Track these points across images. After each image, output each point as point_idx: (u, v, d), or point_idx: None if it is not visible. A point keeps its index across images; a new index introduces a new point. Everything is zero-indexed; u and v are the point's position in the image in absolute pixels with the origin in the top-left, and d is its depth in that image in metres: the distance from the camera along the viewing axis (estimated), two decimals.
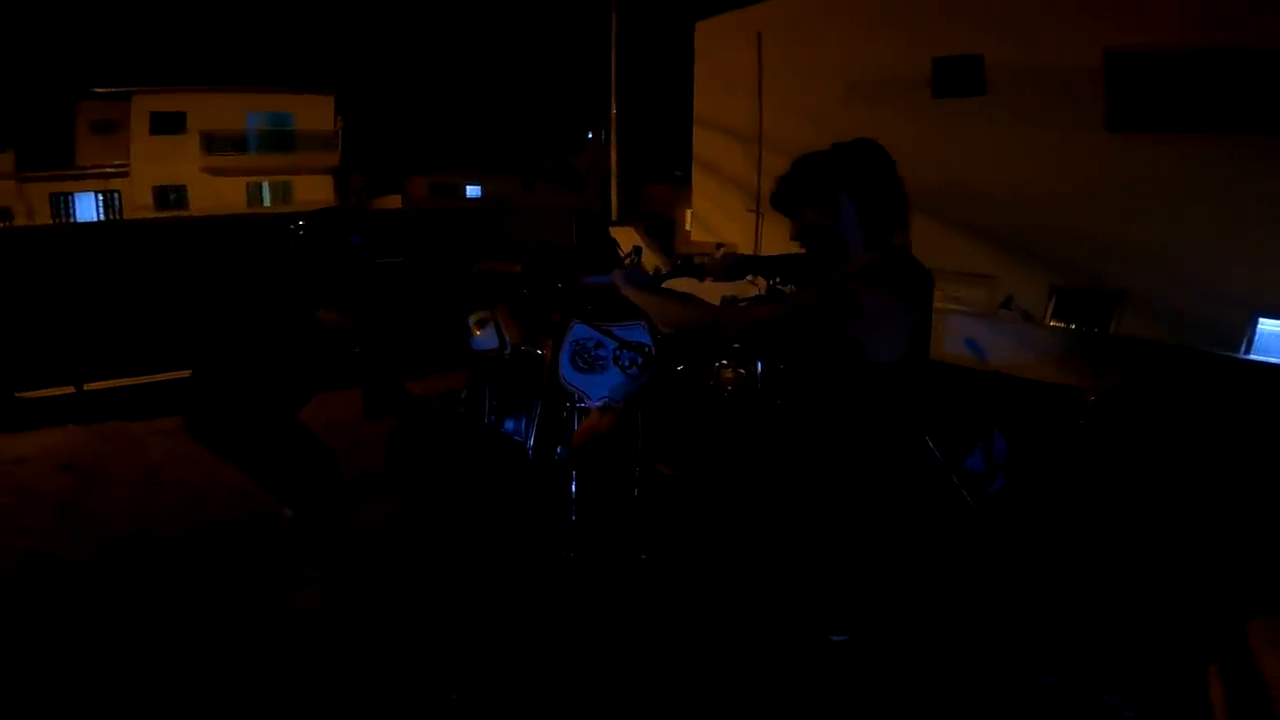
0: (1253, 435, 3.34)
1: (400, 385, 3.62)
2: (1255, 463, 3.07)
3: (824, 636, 1.96)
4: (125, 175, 22.13)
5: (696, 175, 11.45)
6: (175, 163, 22.06)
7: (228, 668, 2.16)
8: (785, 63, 10.03)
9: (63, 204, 21.86)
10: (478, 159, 25.32)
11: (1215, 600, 2.27)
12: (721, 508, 2.51)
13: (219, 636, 2.30)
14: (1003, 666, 2.04)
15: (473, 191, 24.29)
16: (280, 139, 23.37)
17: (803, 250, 2.26)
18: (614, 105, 9.30)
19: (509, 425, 2.22)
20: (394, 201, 23.11)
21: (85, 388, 4.41)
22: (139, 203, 21.82)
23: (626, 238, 6.84)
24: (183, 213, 20.12)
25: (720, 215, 10.98)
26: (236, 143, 22.94)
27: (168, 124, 22.22)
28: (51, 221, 20.02)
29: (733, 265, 2.29)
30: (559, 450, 2.18)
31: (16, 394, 4.28)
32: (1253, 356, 6.29)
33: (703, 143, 11.37)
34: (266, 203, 22.74)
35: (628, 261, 2.01)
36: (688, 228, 13.14)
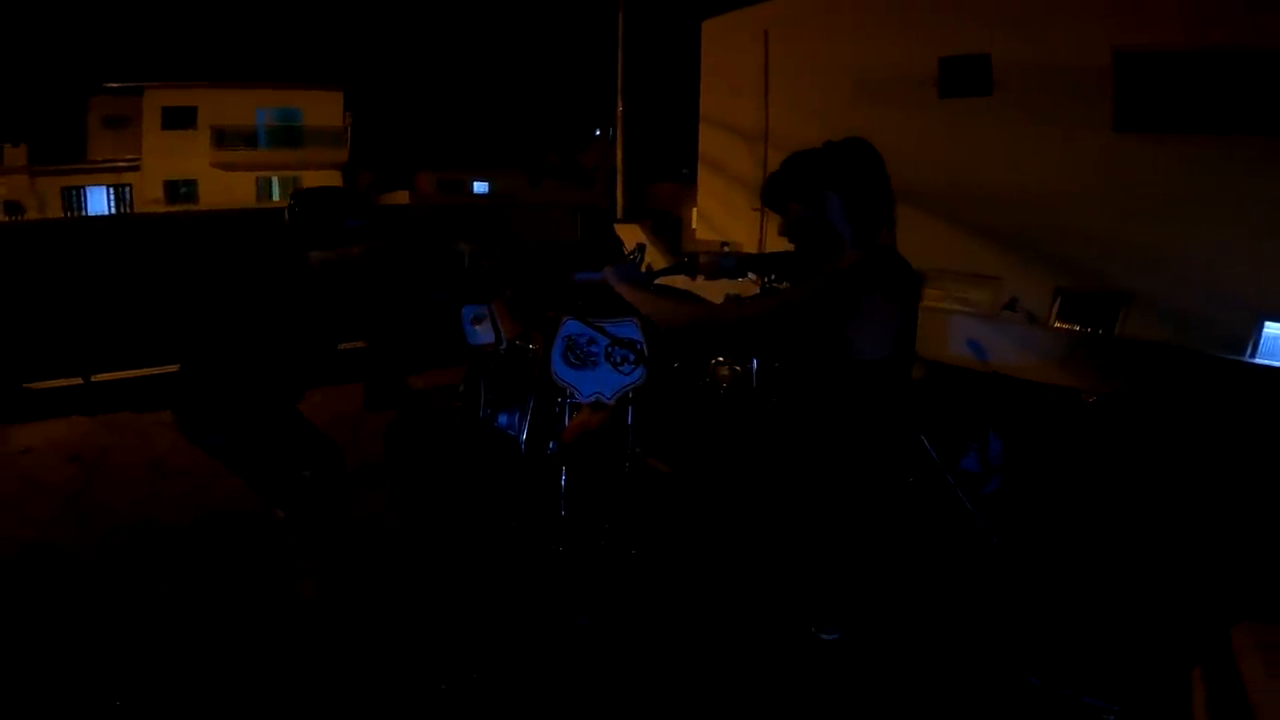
0: (1255, 439, 3.32)
1: (402, 379, 3.65)
2: (1255, 466, 3.06)
3: (814, 634, 1.97)
4: (137, 169, 22.25)
5: (702, 173, 11.43)
6: (186, 157, 22.20)
7: (225, 657, 2.20)
8: (791, 61, 9.98)
9: (75, 198, 22.00)
10: (485, 155, 25.37)
11: (1200, 603, 2.27)
12: (715, 504, 2.53)
13: (218, 626, 2.34)
14: (988, 667, 2.05)
15: (480, 188, 24.35)
16: (289, 134, 23.49)
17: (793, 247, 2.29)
18: (620, 103, 9.30)
19: (502, 420, 2.24)
20: (402, 197, 23.21)
21: (92, 379, 4.46)
22: (150, 197, 21.95)
23: (631, 235, 6.85)
24: (193, 207, 20.25)
25: (725, 213, 10.95)
26: (246, 138, 23.06)
27: (179, 119, 22.38)
28: (63, 215, 20.14)
29: (727, 264, 2.31)
30: (550, 445, 2.20)
31: (24, 385, 4.33)
32: (1258, 360, 6.23)
33: (709, 141, 11.34)
34: (276, 197, 22.84)
35: (631, 259, 2.01)
36: (693, 226, 13.12)
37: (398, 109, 26.41)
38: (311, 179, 23.04)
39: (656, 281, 2.05)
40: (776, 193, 1.77)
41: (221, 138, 22.63)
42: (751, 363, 2.89)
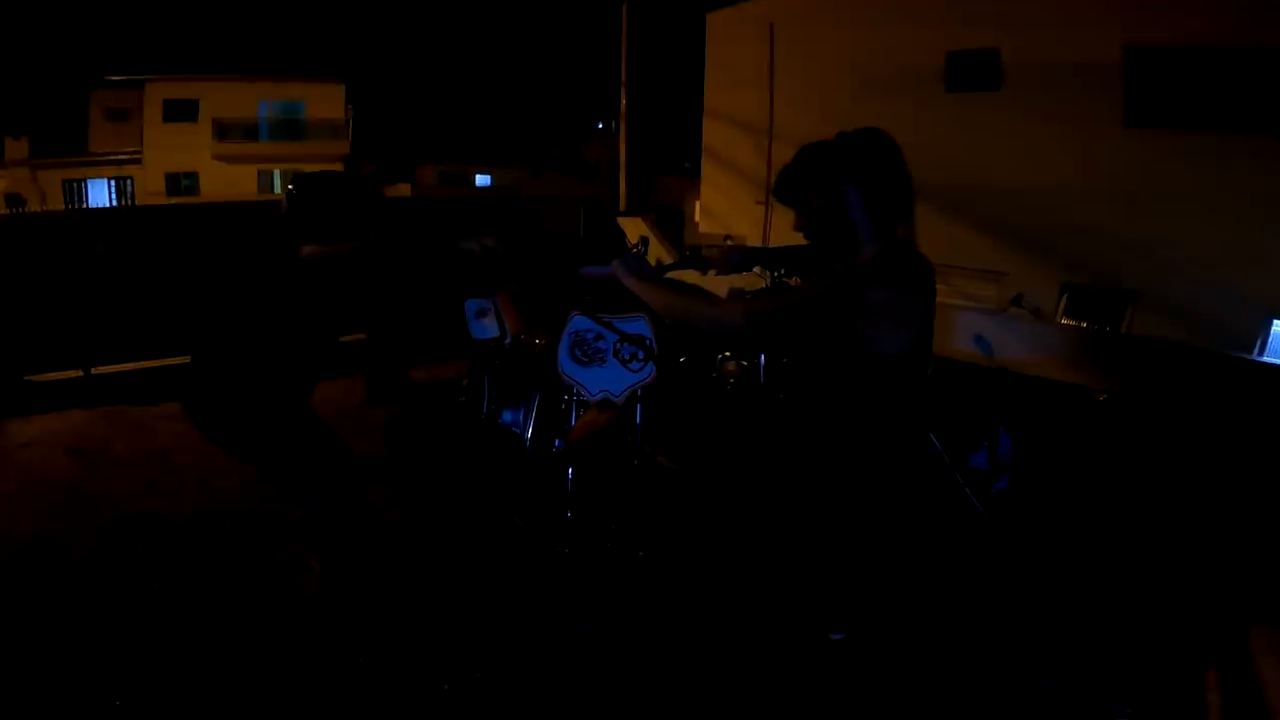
0: (1263, 438, 3.29)
1: (404, 372, 3.61)
2: (1265, 465, 3.02)
3: (822, 635, 1.94)
4: (138, 162, 22.25)
5: (706, 167, 11.36)
6: (187, 150, 22.22)
7: (226, 654, 2.17)
8: (797, 55, 9.91)
9: (76, 191, 22.00)
10: (487, 148, 25.26)
11: (1216, 605, 2.24)
12: (722, 502, 2.49)
13: (219, 621, 2.31)
14: (1000, 669, 2.02)
15: (482, 181, 24.26)
16: (291, 127, 23.47)
17: (806, 242, 2.25)
18: (624, 96, 9.25)
19: (507, 417, 2.20)
20: (403, 190, 23.15)
21: (93, 371, 4.43)
22: (151, 189, 21.94)
23: (634, 228, 6.80)
24: (194, 200, 20.24)
25: (729, 207, 10.90)
26: (248, 130, 23.09)
27: (180, 111, 22.38)
28: (65, 208, 20.14)
29: (737, 258, 2.27)
30: (556, 443, 2.16)
31: (24, 377, 4.30)
32: (1266, 359, 6.21)
33: (712, 134, 11.28)
34: (277, 190, 22.81)
35: (634, 252, 1.98)
36: (697, 219, 13.06)
37: (399, 102, 26.32)
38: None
39: (666, 276, 2.01)
40: (791, 186, 1.72)
41: (223, 131, 22.65)
42: (759, 358, 2.85)
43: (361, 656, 2.07)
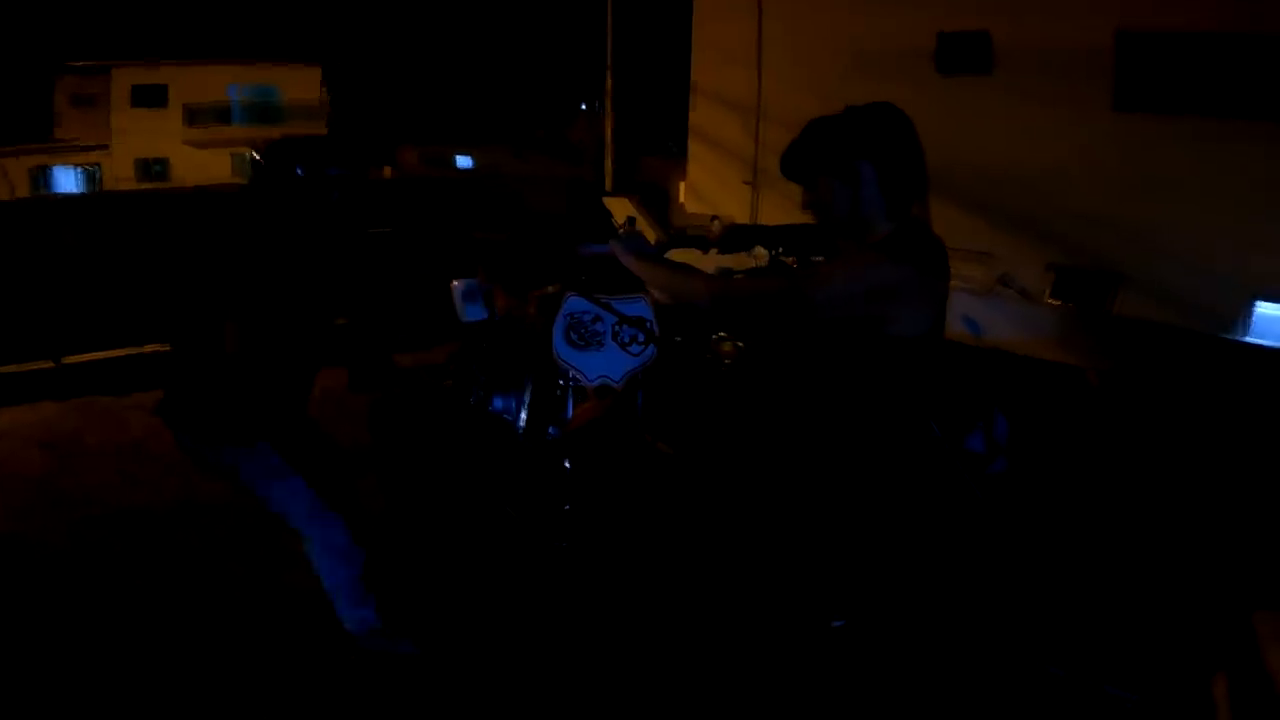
0: (1254, 419, 3.30)
1: (388, 358, 3.50)
2: (1258, 448, 3.03)
3: (823, 622, 1.89)
4: (106, 149, 21.90)
5: (693, 146, 11.23)
6: (157, 136, 21.87)
7: (215, 651, 2.09)
8: (786, 32, 9.82)
9: (43, 178, 21.59)
10: (469, 130, 24.89)
11: (1218, 590, 2.23)
12: (720, 488, 2.44)
13: (206, 619, 2.23)
14: (1004, 656, 1.99)
15: (464, 162, 23.93)
16: (266, 111, 23.13)
17: (807, 220, 2.18)
18: (609, 76, 9.11)
19: (498, 403, 2.11)
20: (385, 172, 22.81)
21: (63, 361, 4.28)
22: (121, 175, 21.61)
23: (621, 208, 6.70)
24: (165, 185, 19.89)
25: (716, 186, 10.81)
26: (220, 115, 22.83)
27: (149, 97, 22.09)
28: (31, 195, 19.71)
29: (737, 236, 2.21)
30: (551, 431, 2.08)
31: None
32: (1249, 340, 6.39)
33: (700, 114, 11.15)
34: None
35: (622, 231, 1.91)
36: (681, 200, 12.98)
37: (378, 83, 25.81)
38: None
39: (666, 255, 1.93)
40: (800, 163, 1.65)
41: (194, 115, 22.39)
42: (757, 340, 2.79)
43: (353, 654, 1.98)
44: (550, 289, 1.97)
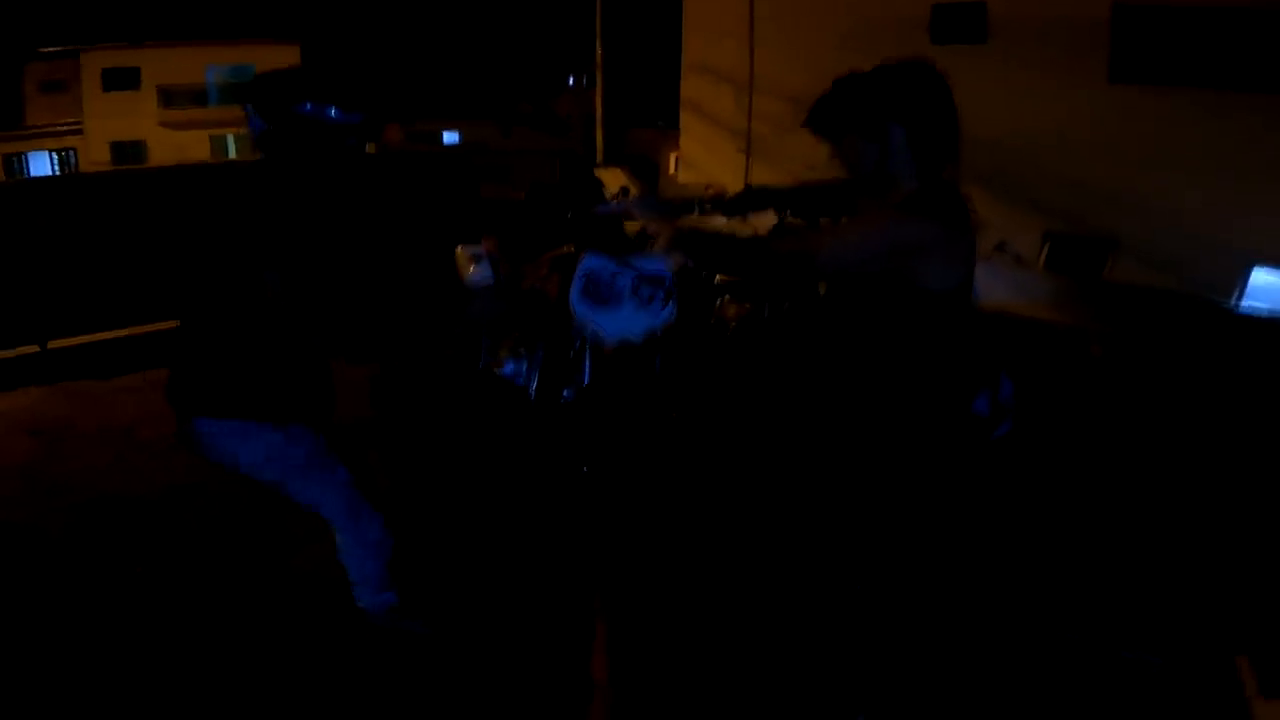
0: (1246, 381, 3.30)
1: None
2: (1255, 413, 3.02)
3: (848, 588, 1.85)
4: (80, 133, 21.63)
5: (685, 118, 11.14)
6: (131, 118, 21.51)
7: (218, 639, 2.01)
8: (778, 4, 9.71)
9: (16, 164, 21.22)
10: (455, 106, 24.50)
11: (1233, 556, 2.21)
12: (735, 454, 2.38)
13: (206, 606, 2.15)
14: (1028, 623, 1.97)
15: (450, 138, 23.60)
16: (243, 91, 22.60)
17: (807, 182, 2.13)
18: (599, 46, 8.94)
19: (509, 368, 2.04)
20: (369, 149, 22.43)
21: (49, 346, 4.15)
22: (96, 159, 21.33)
23: (613, 179, 6.63)
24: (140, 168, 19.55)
25: (709, 158, 10.76)
26: (196, 96, 22.35)
27: (121, 80, 21.71)
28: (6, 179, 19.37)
29: (749, 198, 2.17)
30: (565, 394, 2.01)
31: None
32: (1245, 303, 6.46)
33: (692, 86, 11.06)
34: (232, 154, 22.13)
35: (615, 202, 1.89)
36: (671, 172, 12.88)
37: (359, 60, 25.27)
38: None
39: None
40: (828, 119, 1.61)
41: (170, 97, 21.97)
42: (764, 302, 2.72)
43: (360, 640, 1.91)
44: (566, 249, 1.89)
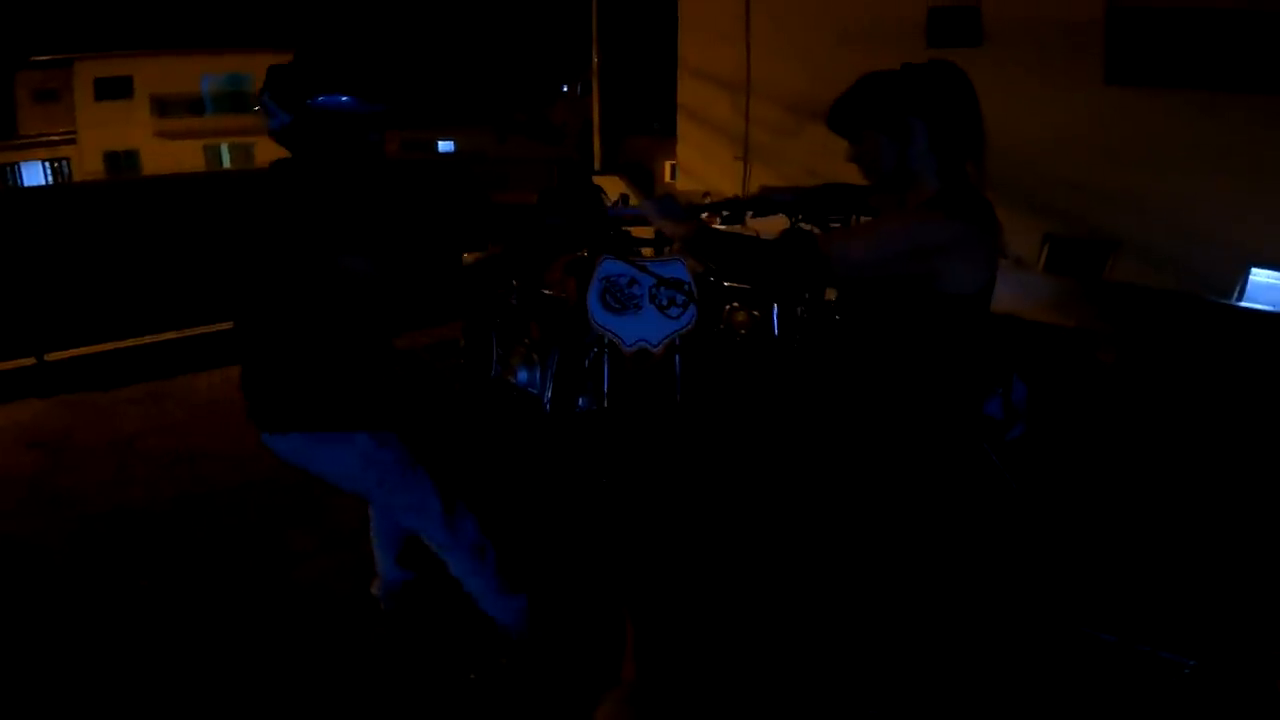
0: (1249, 378, 3.30)
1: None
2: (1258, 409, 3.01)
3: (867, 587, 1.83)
4: (73, 143, 21.52)
5: (682, 124, 11.14)
6: (125, 127, 21.45)
7: (222, 652, 1.98)
8: (774, 8, 9.73)
9: (9, 174, 21.10)
10: (450, 114, 24.51)
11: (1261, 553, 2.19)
12: (745, 460, 2.36)
13: (211, 618, 2.12)
14: (1056, 624, 1.95)
15: (446, 147, 23.60)
16: (238, 100, 22.55)
17: (816, 184, 2.11)
18: (595, 55, 8.94)
19: (522, 376, 2.01)
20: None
21: (46, 358, 4.10)
22: (89, 169, 21.27)
23: (613, 186, 6.61)
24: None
25: (706, 164, 10.75)
26: (191, 105, 22.36)
27: (113, 89, 21.61)
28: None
29: (766, 200, 2.15)
30: (580, 402, 1.98)
31: None
32: (1245, 304, 6.50)
33: (688, 91, 11.06)
34: (226, 164, 22.05)
35: (630, 205, 1.86)
36: (668, 179, 12.87)
37: (354, 68, 25.24)
38: (265, 144, 22.03)
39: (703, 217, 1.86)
40: (849, 117, 1.59)
41: (163, 107, 21.91)
42: (773, 308, 2.71)
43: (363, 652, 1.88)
44: (582, 253, 1.87)
